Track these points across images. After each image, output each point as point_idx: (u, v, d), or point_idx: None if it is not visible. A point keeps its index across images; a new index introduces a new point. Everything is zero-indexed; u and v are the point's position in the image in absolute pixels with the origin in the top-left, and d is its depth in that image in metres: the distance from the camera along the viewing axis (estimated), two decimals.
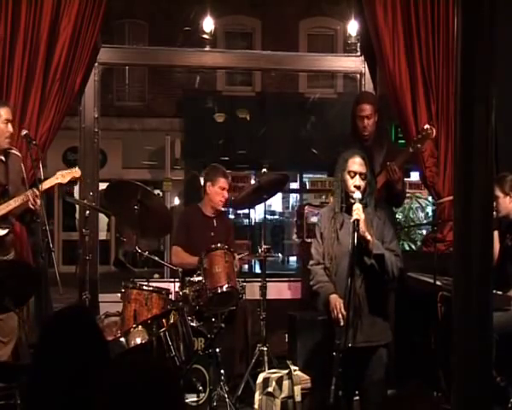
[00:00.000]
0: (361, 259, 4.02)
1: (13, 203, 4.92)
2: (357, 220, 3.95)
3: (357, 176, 4.11)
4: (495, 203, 5.01)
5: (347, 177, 4.13)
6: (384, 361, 4.14)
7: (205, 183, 5.88)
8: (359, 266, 4.02)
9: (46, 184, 5.02)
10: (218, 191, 5.79)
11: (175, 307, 4.75)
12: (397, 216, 8.39)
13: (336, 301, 4.06)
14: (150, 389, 1.78)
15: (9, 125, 4.99)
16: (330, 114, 15.04)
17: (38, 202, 4.84)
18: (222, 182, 5.81)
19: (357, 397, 4.30)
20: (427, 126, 5.29)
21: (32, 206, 4.86)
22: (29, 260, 5.33)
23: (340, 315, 3.99)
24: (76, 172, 5.21)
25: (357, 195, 4.07)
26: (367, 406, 4.19)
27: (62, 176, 5.11)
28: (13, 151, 5.10)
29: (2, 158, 5.05)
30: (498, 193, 5.07)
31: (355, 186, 4.09)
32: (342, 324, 3.95)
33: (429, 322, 5.20)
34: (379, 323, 4.13)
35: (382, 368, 4.13)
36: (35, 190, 4.84)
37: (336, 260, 4.13)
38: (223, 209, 6.12)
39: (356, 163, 4.13)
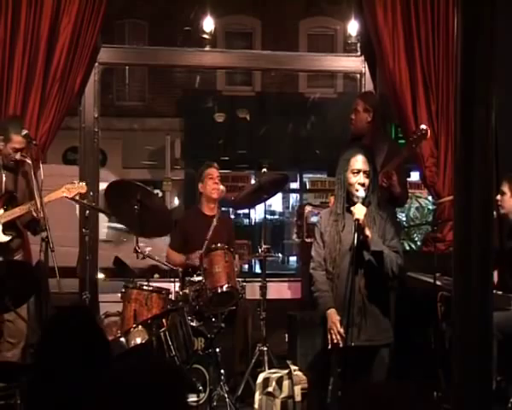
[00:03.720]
0: (363, 258, 4.02)
1: (18, 211, 5.00)
2: (358, 220, 3.96)
3: (361, 173, 4.09)
4: (499, 197, 5.00)
5: (350, 176, 4.10)
6: (386, 362, 4.13)
7: (197, 185, 5.95)
8: (362, 266, 4.02)
9: (51, 197, 5.07)
10: (208, 182, 5.87)
11: (175, 307, 4.75)
12: (399, 216, 8.37)
13: (333, 320, 4.06)
14: (151, 389, 1.78)
15: (18, 154, 5.00)
16: (330, 114, 15.03)
17: (41, 214, 4.88)
18: (209, 172, 5.89)
19: None
20: (423, 127, 5.29)
21: (35, 214, 4.90)
22: (30, 260, 5.35)
23: (335, 337, 4.01)
24: (82, 187, 5.24)
25: (361, 193, 4.05)
26: None
27: (68, 190, 5.15)
28: (25, 159, 5.11)
29: (13, 165, 5.09)
30: (506, 190, 5.06)
31: (359, 184, 4.08)
32: (341, 345, 3.96)
33: (429, 322, 5.20)
34: (382, 322, 4.13)
35: (384, 369, 4.12)
36: (39, 200, 4.87)
37: (338, 262, 4.12)
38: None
39: (358, 161, 4.11)
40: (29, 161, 5.09)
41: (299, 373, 4.87)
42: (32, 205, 4.89)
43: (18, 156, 5.02)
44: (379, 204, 4.18)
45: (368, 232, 3.99)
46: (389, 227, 4.15)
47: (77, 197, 5.28)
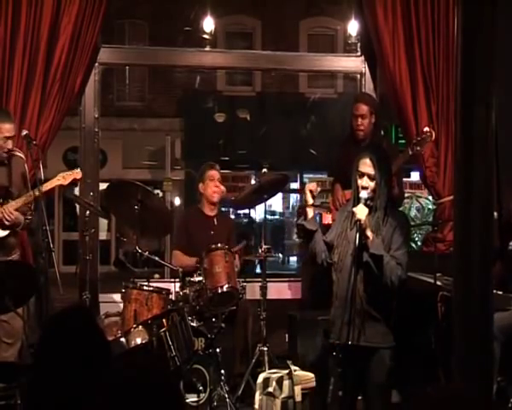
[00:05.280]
0: (363, 260, 4.03)
1: (14, 204, 4.97)
2: (359, 220, 3.96)
3: (365, 177, 4.11)
4: None
5: (357, 177, 4.15)
6: (386, 363, 4.09)
7: (197, 185, 5.93)
8: (362, 268, 4.02)
9: (47, 186, 5.05)
10: (209, 184, 5.84)
11: (175, 307, 4.75)
12: None
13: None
14: (150, 389, 1.78)
15: (9, 142, 4.99)
16: (330, 114, 15.02)
17: (12, 216, 4.89)
18: (210, 174, 5.85)
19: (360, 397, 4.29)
20: (426, 129, 5.29)
21: (5, 220, 4.90)
22: (29, 260, 5.34)
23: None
24: (77, 173, 5.23)
25: (363, 194, 4.07)
26: (369, 407, 4.16)
27: (63, 177, 5.14)
28: (16, 153, 5.11)
29: (5, 160, 5.07)
30: None
31: (362, 187, 4.11)
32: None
33: (429, 322, 5.19)
34: (381, 327, 4.10)
35: (384, 370, 4.08)
36: (37, 192, 4.87)
37: (342, 258, 4.14)
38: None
39: (364, 164, 4.13)
40: (21, 155, 5.08)
41: (300, 373, 4.86)
42: (29, 196, 4.89)
43: (10, 145, 5.00)
44: (390, 209, 4.16)
45: (369, 234, 3.99)
46: (397, 237, 4.12)
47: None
